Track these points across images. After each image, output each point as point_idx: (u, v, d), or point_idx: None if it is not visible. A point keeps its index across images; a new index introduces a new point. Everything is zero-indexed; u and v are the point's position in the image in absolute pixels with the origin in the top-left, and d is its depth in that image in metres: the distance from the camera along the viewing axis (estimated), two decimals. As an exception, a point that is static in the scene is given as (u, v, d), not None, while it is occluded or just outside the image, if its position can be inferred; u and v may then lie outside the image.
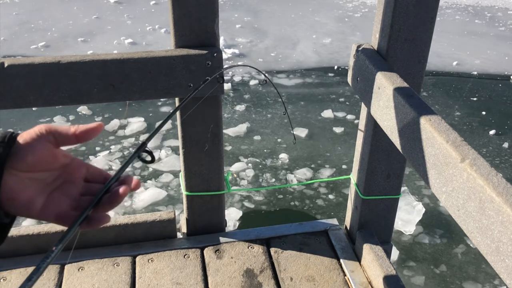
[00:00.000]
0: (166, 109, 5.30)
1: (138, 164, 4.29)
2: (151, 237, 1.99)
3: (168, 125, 4.96)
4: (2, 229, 0.67)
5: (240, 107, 5.45)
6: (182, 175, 1.94)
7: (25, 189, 0.64)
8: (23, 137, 0.64)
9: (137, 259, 1.91)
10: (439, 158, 1.18)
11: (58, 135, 0.66)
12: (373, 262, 1.80)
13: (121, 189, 0.66)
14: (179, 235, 2.08)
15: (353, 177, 1.96)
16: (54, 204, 0.67)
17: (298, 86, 6.18)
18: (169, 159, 4.39)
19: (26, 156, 0.63)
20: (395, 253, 3.26)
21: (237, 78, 6.26)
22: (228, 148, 4.58)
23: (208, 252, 1.95)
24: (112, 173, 0.71)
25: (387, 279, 1.73)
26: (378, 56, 1.61)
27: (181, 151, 1.88)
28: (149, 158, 0.76)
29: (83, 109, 5.21)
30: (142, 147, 0.76)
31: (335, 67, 6.78)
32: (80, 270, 1.85)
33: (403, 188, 3.92)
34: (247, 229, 2.10)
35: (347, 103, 5.65)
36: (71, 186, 0.69)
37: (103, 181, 0.71)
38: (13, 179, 0.63)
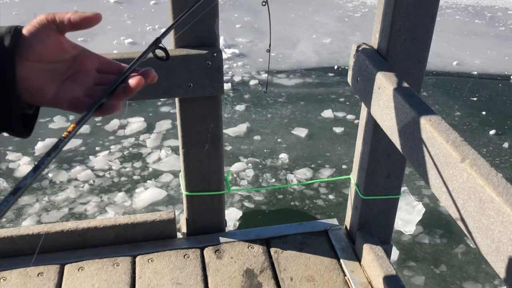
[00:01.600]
0: (166, 109, 5.30)
1: (138, 164, 4.30)
2: (151, 237, 1.99)
3: (168, 125, 4.96)
4: (28, 121, 0.69)
5: (240, 107, 5.45)
6: (182, 175, 1.94)
7: (37, 78, 0.66)
8: (27, 28, 0.66)
9: (137, 259, 1.91)
10: (439, 158, 1.18)
11: (57, 23, 0.67)
12: (373, 262, 1.80)
13: (135, 80, 0.68)
14: (179, 235, 2.08)
15: (353, 177, 1.96)
16: (67, 91, 0.69)
17: (298, 86, 6.18)
18: (169, 159, 4.39)
19: (33, 45, 0.65)
20: (395, 253, 3.26)
21: (237, 78, 6.26)
22: (228, 148, 4.58)
23: (208, 252, 1.95)
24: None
25: (387, 279, 1.73)
26: (378, 56, 1.61)
27: (181, 151, 1.88)
28: (163, 55, 0.75)
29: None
30: (156, 43, 0.75)
31: (335, 67, 6.78)
32: (80, 270, 1.84)
33: (403, 188, 3.92)
34: (247, 229, 2.10)
35: (347, 103, 5.65)
36: (84, 76, 0.71)
37: (116, 72, 0.72)
38: (24, 69, 0.65)
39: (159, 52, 0.76)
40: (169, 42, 1.73)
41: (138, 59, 0.72)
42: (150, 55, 0.76)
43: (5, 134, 0.69)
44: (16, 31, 0.65)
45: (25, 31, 0.65)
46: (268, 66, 1.88)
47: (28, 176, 0.54)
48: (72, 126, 0.62)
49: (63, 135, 0.60)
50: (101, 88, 0.70)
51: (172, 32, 1.66)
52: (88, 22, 0.68)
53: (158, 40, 0.75)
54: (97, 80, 0.71)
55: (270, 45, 1.73)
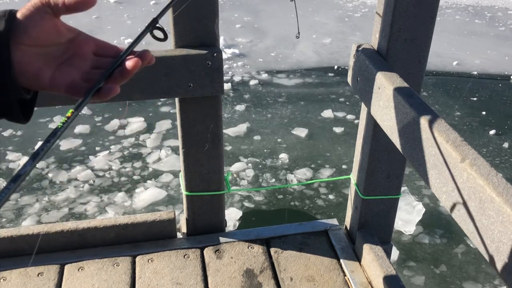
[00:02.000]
0: (166, 109, 5.30)
1: (138, 164, 4.30)
2: (151, 237, 1.99)
3: (168, 125, 4.96)
4: (26, 106, 0.69)
5: (240, 107, 5.45)
6: (182, 175, 1.94)
7: (33, 62, 0.66)
8: (22, 12, 0.65)
9: (137, 259, 1.90)
10: (439, 158, 1.17)
11: (52, 5, 0.67)
12: (373, 262, 1.80)
13: (132, 62, 0.67)
14: (179, 235, 2.08)
15: (353, 177, 1.96)
16: (64, 75, 0.68)
17: (298, 86, 6.18)
18: (169, 159, 4.39)
19: (28, 29, 0.65)
20: (395, 253, 3.26)
21: (237, 78, 6.26)
22: (228, 148, 4.58)
23: (208, 252, 1.95)
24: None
25: (387, 279, 1.73)
26: (378, 56, 1.61)
27: (181, 151, 1.88)
28: (161, 36, 0.75)
29: (83, 109, 5.20)
30: (153, 23, 0.74)
31: (335, 67, 6.78)
32: (80, 270, 1.84)
33: (403, 188, 3.92)
34: (247, 229, 2.10)
35: (347, 103, 5.65)
36: (81, 59, 0.70)
37: (113, 55, 0.71)
38: (20, 53, 0.64)
39: (157, 33, 0.75)
40: (169, 42, 1.73)
41: (136, 41, 0.71)
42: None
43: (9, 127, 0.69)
44: (10, 15, 0.64)
45: (19, 15, 0.65)
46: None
47: (28, 164, 0.54)
48: (70, 111, 0.62)
49: (62, 121, 0.60)
50: (98, 71, 0.69)
51: (172, 32, 1.66)
52: (82, 5, 0.67)
53: (155, 21, 0.74)
54: (94, 64, 0.71)
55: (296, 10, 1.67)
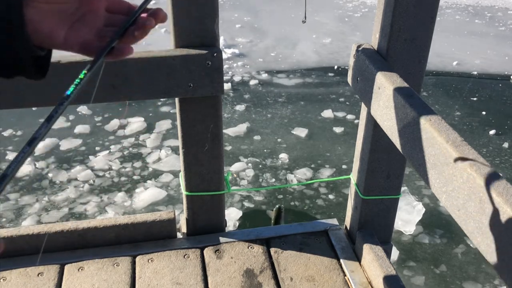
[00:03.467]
0: (166, 109, 5.30)
1: (138, 164, 4.30)
2: (151, 237, 1.99)
3: (168, 125, 4.96)
4: (41, 63, 0.69)
5: (240, 107, 5.45)
6: (182, 175, 1.94)
7: (46, 20, 0.65)
8: None
9: (137, 259, 1.90)
10: (439, 158, 1.17)
11: None
12: (373, 262, 1.80)
13: (147, 21, 0.67)
14: (179, 235, 2.08)
15: (353, 177, 1.96)
16: (78, 34, 0.67)
17: (298, 86, 6.18)
18: (169, 159, 4.39)
19: None
20: (395, 253, 3.26)
21: (237, 78, 6.26)
22: (228, 148, 4.58)
23: (208, 252, 1.95)
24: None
25: (387, 279, 1.73)
26: (378, 56, 1.61)
27: (181, 151, 1.88)
28: None
29: (82, 109, 5.21)
30: None
31: (335, 67, 6.78)
32: (80, 270, 1.84)
33: (403, 188, 3.92)
34: (247, 229, 2.10)
35: (347, 103, 5.65)
36: (94, 17, 0.69)
37: (126, 12, 0.71)
38: (33, 11, 0.64)
39: None
40: (169, 42, 1.73)
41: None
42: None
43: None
44: None
45: None
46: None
47: (43, 126, 0.55)
48: (84, 72, 0.62)
49: (75, 82, 0.60)
50: (111, 29, 0.68)
51: (172, 32, 1.66)
52: None
53: None
54: (107, 21, 0.70)
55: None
